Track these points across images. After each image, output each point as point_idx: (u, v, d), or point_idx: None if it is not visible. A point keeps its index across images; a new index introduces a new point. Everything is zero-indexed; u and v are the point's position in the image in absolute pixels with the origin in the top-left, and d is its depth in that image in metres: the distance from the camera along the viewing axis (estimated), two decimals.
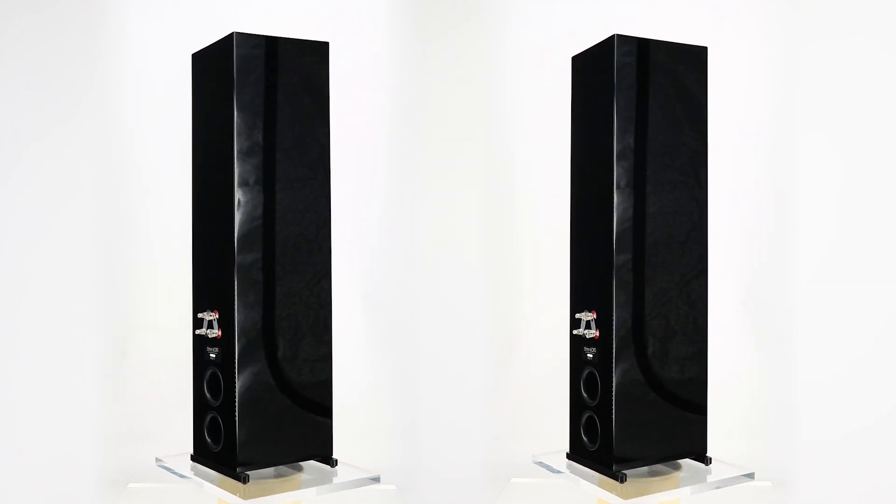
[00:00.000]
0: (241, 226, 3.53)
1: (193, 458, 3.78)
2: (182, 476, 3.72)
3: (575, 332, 3.76)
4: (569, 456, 3.85)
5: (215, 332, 3.57)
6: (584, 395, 3.72)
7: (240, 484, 3.49)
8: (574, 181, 3.87)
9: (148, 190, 4.42)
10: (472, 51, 4.35)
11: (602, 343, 3.63)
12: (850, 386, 4.07)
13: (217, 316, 3.57)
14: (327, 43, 3.62)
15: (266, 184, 3.57)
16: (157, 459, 3.86)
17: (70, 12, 4.13)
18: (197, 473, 3.69)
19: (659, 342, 3.66)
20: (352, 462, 3.76)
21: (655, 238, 3.65)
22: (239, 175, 3.52)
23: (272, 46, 3.58)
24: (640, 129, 3.63)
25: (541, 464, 3.91)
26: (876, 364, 4.08)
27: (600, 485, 3.61)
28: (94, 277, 4.20)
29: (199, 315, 3.65)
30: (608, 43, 3.60)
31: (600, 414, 3.64)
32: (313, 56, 3.64)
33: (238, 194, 3.52)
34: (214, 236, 3.60)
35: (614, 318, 3.58)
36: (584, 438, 3.72)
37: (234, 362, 3.51)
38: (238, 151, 3.52)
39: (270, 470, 3.67)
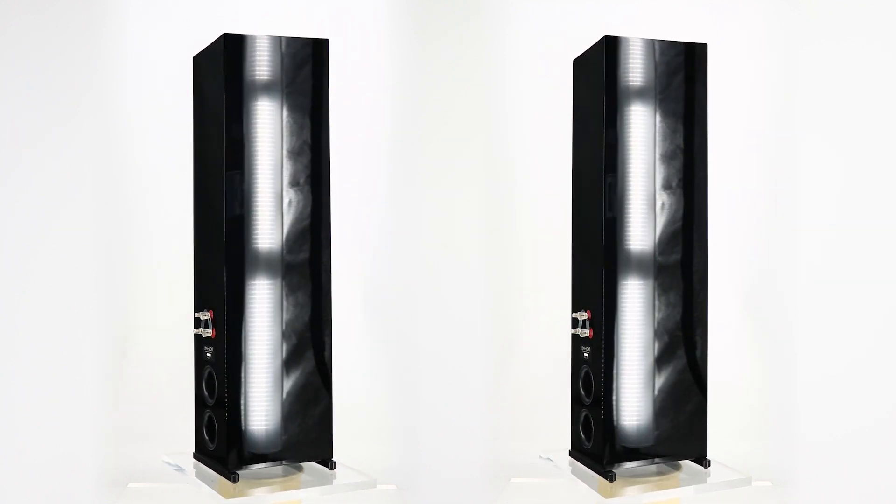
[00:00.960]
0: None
1: (195, 457, 3.78)
2: (181, 469, 3.72)
3: (572, 331, 3.77)
4: (571, 453, 3.85)
5: (208, 332, 3.57)
6: (582, 392, 3.73)
7: (230, 483, 3.49)
8: (575, 182, 3.87)
9: (148, 190, 4.42)
10: (472, 51, 4.35)
11: (595, 342, 3.63)
12: (850, 386, 4.07)
13: (211, 316, 3.57)
14: (326, 40, 3.62)
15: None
16: (175, 465, 3.84)
17: (70, 12, 4.13)
18: (198, 471, 3.69)
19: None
20: (352, 462, 3.75)
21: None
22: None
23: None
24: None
25: (543, 457, 3.92)
26: (876, 364, 4.07)
27: (588, 482, 3.61)
28: (94, 277, 4.20)
29: (196, 314, 3.66)
30: (599, 45, 3.61)
31: (594, 412, 3.64)
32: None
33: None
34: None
35: (603, 317, 3.59)
36: (582, 436, 3.73)
37: (226, 362, 3.51)
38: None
39: (278, 469, 3.67)
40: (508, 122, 4.49)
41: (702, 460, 3.72)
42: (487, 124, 4.40)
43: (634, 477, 3.66)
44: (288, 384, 3.58)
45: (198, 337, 3.67)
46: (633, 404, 3.63)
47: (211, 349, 3.59)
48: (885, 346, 4.07)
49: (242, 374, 3.54)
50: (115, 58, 4.34)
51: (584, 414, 3.72)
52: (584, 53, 3.80)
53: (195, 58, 3.77)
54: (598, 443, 3.63)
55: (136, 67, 4.38)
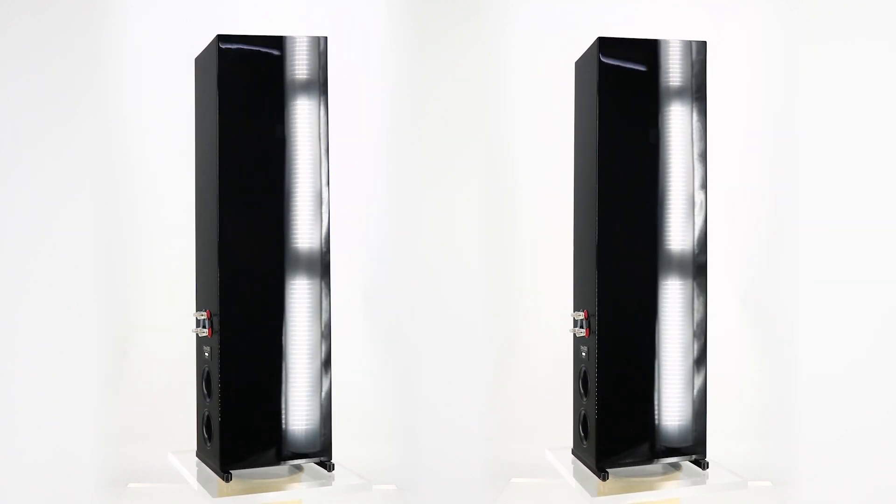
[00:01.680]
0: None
1: (198, 456, 3.78)
2: (181, 460, 3.73)
3: (571, 330, 3.77)
4: (573, 451, 3.85)
5: (205, 331, 3.58)
6: (581, 391, 3.73)
7: (224, 482, 3.49)
8: (577, 182, 3.86)
9: (148, 190, 4.43)
10: (472, 51, 4.35)
11: (591, 341, 3.64)
12: (850, 386, 4.07)
13: (208, 316, 3.57)
14: (326, 38, 3.62)
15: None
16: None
17: (70, 12, 4.14)
18: (200, 470, 3.69)
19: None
20: (352, 462, 3.75)
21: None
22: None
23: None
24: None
25: (544, 455, 3.92)
26: (876, 364, 4.07)
27: (587, 481, 3.61)
28: (94, 277, 4.21)
29: (194, 314, 3.66)
30: (594, 46, 3.61)
31: (589, 410, 3.65)
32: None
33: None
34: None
35: (597, 317, 3.59)
36: (581, 434, 3.73)
37: (218, 361, 3.50)
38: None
39: (284, 468, 3.67)
40: (508, 122, 4.50)
41: (700, 462, 3.71)
42: (487, 124, 4.40)
43: (634, 477, 3.66)
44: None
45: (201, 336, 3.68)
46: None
47: (209, 348, 3.59)
48: (885, 346, 4.08)
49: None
50: (115, 58, 4.34)
51: (581, 413, 3.73)
52: (583, 54, 3.79)
53: (197, 59, 3.77)
54: (591, 441, 3.63)
55: (136, 67, 4.39)
